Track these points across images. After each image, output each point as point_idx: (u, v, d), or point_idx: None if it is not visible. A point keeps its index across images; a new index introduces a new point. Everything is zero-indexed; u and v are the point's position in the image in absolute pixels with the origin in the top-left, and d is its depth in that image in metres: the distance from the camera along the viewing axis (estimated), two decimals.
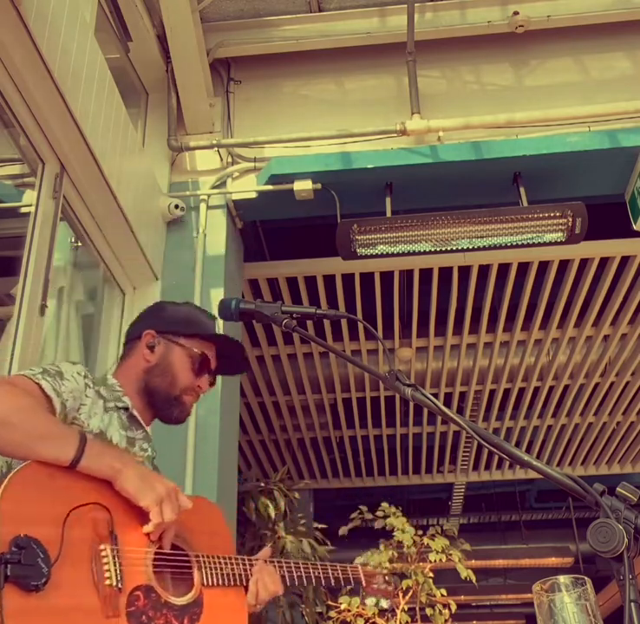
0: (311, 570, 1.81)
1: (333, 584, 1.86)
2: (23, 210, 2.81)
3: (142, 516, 1.46)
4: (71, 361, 1.69)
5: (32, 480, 1.34)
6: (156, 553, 1.47)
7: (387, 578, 1.96)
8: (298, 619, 5.14)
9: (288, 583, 1.76)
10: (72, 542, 1.33)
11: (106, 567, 1.36)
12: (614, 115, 3.79)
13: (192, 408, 1.80)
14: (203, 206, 3.85)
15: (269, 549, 1.82)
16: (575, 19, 3.99)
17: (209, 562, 1.58)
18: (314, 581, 1.82)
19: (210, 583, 1.55)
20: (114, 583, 1.35)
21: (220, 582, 1.58)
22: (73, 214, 3.03)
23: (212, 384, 1.82)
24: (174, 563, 1.52)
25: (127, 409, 1.70)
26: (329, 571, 1.85)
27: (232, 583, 1.61)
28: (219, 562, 1.60)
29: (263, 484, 5.13)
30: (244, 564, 1.66)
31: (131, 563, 1.41)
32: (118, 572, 1.37)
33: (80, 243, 3.25)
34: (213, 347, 1.80)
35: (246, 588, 1.65)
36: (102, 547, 1.38)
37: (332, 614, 5.04)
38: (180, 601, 1.49)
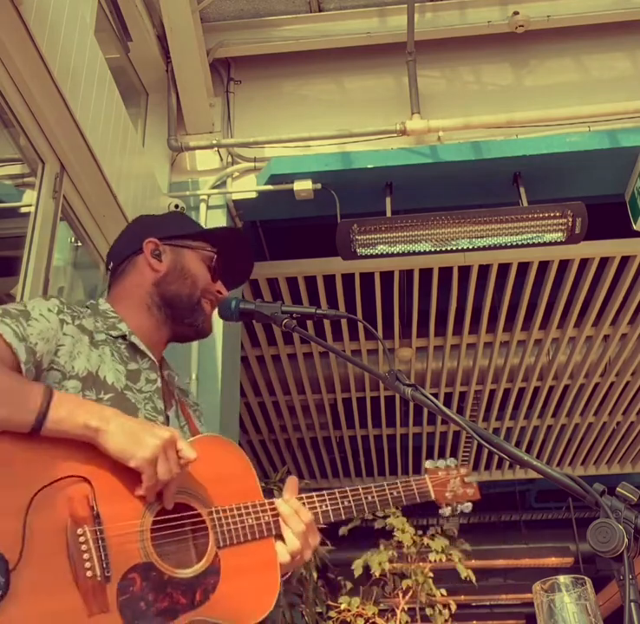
0: (363, 495, 1.50)
1: (393, 506, 1.58)
2: (23, 210, 2.81)
3: (133, 479, 1.23)
4: (44, 296, 1.43)
5: None
6: (154, 521, 1.25)
7: (466, 479, 1.70)
8: (298, 619, 5.14)
9: (332, 519, 1.46)
10: (39, 535, 1.12)
11: (86, 555, 1.15)
12: (614, 115, 3.79)
13: (212, 320, 1.61)
14: (203, 206, 3.85)
15: (294, 479, 1.50)
16: (575, 19, 3.99)
17: (225, 516, 1.32)
18: (367, 508, 1.50)
19: (228, 542, 1.30)
20: (98, 573, 1.15)
21: (242, 539, 1.32)
22: (73, 214, 3.03)
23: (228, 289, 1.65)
24: (180, 528, 1.28)
25: (123, 337, 1.46)
26: (387, 492, 1.54)
27: (258, 536, 1.35)
28: (239, 513, 1.34)
29: (263, 484, 5.12)
30: (273, 509, 1.40)
31: (121, 542, 1.20)
32: (103, 558, 1.16)
33: (80, 243, 3.24)
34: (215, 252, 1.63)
35: (278, 538, 1.39)
36: (80, 531, 1.16)
37: (332, 614, 5.05)
38: (188, 572, 1.26)
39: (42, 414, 1.17)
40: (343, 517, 1.48)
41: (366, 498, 1.50)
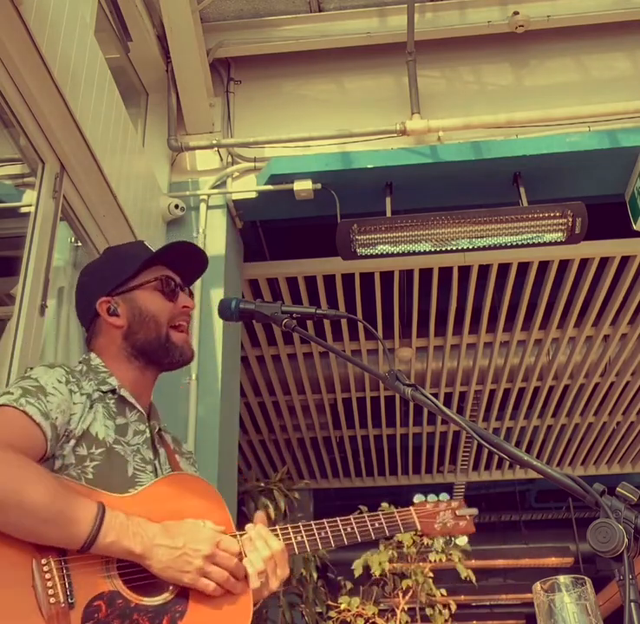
0: (342, 527, 1.50)
1: (374, 537, 1.54)
2: (23, 210, 2.81)
3: None
4: (47, 365, 1.49)
5: None
6: None
7: (458, 512, 1.67)
8: (298, 619, 5.14)
9: (308, 549, 1.47)
10: (5, 566, 1.16)
11: (49, 583, 1.17)
12: (614, 115, 3.79)
13: (189, 340, 1.62)
14: (203, 206, 3.85)
15: (262, 513, 1.51)
16: (575, 19, 3.99)
17: None
18: (346, 539, 1.49)
19: None
20: (62, 599, 1.17)
21: None
22: (73, 214, 3.03)
23: (191, 296, 1.65)
24: None
25: (113, 391, 1.51)
26: (368, 524, 1.53)
27: None
28: None
29: (263, 484, 5.13)
30: (276, 532, 1.44)
31: (87, 572, 1.23)
32: (67, 586, 1.19)
33: (80, 243, 3.24)
34: (164, 267, 1.62)
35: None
36: (44, 561, 1.20)
37: (332, 614, 5.05)
38: (156, 600, 1.29)
39: (90, 543, 1.23)
40: (321, 548, 1.48)
41: (345, 529, 1.50)
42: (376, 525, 1.55)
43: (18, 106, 2.56)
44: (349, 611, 5.00)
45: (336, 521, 1.51)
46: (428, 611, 5.14)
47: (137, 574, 1.29)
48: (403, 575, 5.23)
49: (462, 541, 1.61)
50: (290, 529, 1.47)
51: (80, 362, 1.57)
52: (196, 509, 1.40)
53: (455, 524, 1.66)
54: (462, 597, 9.05)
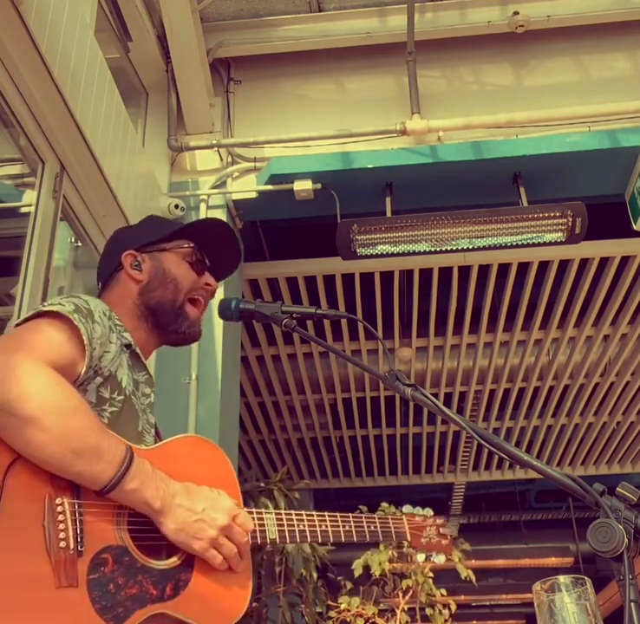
0: (341, 523, 1.50)
1: (369, 540, 1.53)
2: (23, 210, 2.81)
3: None
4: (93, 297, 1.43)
5: None
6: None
7: (442, 530, 1.67)
8: (298, 619, 5.13)
9: (309, 540, 1.47)
10: (15, 496, 1.11)
11: (61, 526, 1.14)
12: (614, 115, 3.79)
13: (201, 319, 1.58)
14: (203, 206, 3.85)
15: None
16: (575, 19, 3.99)
17: None
18: (343, 536, 1.49)
19: None
20: (72, 545, 1.13)
21: None
22: (73, 214, 3.03)
23: (216, 279, 1.61)
24: None
25: (128, 346, 1.46)
26: (365, 525, 1.53)
27: None
28: None
29: (263, 484, 5.12)
30: (252, 515, 1.41)
31: (98, 520, 1.19)
32: (78, 532, 1.15)
33: (80, 243, 3.24)
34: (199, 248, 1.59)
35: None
36: (59, 501, 1.15)
37: (332, 614, 5.04)
38: (162, 564, 1.25)
39: (113, 486, 1.19)
40: (320, 541, 1.47)
41: (343, 526, 1.50)
42: (372, 528, 1.55)
43: (18, 106, 2.56)
44: (349, 611, 5.00)
45: (335, 516, 1.50)
46: (428, 611, 5.14)
47: (146, 532, 1.25)
48: (403, 575, 5.23)
49: (441, 559, 1.62)
50: (294, 517, 1.46)
51: None
52: (210, 476, 1.37)
53: (438, 542, 1.68)
54: (462, 597, 9.05)
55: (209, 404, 3.43)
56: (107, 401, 1.34)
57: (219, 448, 1.44)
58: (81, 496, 1.18)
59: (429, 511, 1.70)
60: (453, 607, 5.22)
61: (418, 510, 1.70)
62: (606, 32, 4.08)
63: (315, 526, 1.46)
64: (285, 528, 1.43)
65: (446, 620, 5.10)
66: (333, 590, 5.57)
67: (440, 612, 5.13)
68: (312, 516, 1.47)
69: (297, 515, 1.46)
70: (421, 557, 1.68)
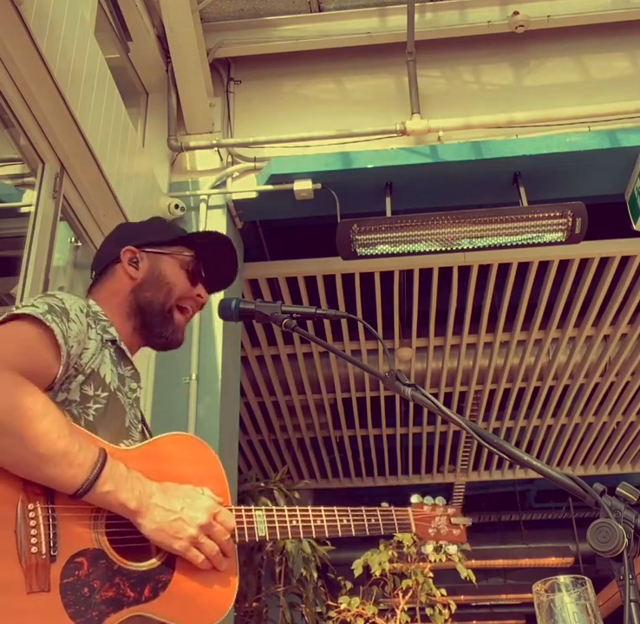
0: (338, 517, 1.46)
1: (369, 533, 1.49)
2: (23, 210, 2.81)
3: None
4: (70, 293, 1.42)
5: None
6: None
7: (453, 520, 1.63)
8: (298, 619, 5.14)
9: (302, 535, 1.44)
10: None
11: (33, 531, 1.13)
12: (614, 115, 3.79)
13: (185, 328, 1.58)
14: (203, 206, 3.85)
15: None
16: (575, 19, 3.99)
17: None
18: (340, 530, 1.45)
19: None
20: (44, 550, 1.12)
21: None
22: (73, 214, 3.03)
23: (208, 292, 1.62)
24: None
25: (114, 342, 1.46)
26: (365, 518, 1.49)
27: None
28: None
29: (263, 484, 5.12)
30: (239, 515, 1.37)
31: (74, 524, 1.18)
32: (51, 537, 1.14)
33: (80, 243, 3.25)
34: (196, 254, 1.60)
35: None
36: (31, 506, 1.15)
37: (332, 613, 5.05)
38: (141, 566, 1.23)
39: (86, 489, 1.18)
40: (315, 536, 1.45)
41: (341, 521, 1.47)
42: (372, 521, 1.51)
43: (18, 106, 2.56)
44: (348, 611, 5.01)
45: (332, 510, 1.47)
46: (428, 611, 5.14)
47: (125, 535, 1.23)
48: (403, 575, 5.23)
49: (453, 549, 1.58)
50: (286, 513, 1.43)
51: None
52: (196, 475, 1.35)
53: (449, 532, 1.64)
54: (462, 597, 9.06)
55: (209, 404, 3.43)
56: (91, 398, 1.34)
57: (208, 446, 1.43)
58: (55, 500, 1.17)
59: (441, 500, 1.66)
60: (453, 607, 5.22)
61: (428, 499, 1.66)
62: (606, 32, 4.08)
63: (309, 521, 1.43)
64: (276, 524, 1.40)
65: (446, 620, 5.11)
66: (333, 590, 5.57)
67: (440, 612, 5.13)
68: (307, 511, 1.44)
69: (290, 510, 1.43)
70: (429, 548, 1.64)
